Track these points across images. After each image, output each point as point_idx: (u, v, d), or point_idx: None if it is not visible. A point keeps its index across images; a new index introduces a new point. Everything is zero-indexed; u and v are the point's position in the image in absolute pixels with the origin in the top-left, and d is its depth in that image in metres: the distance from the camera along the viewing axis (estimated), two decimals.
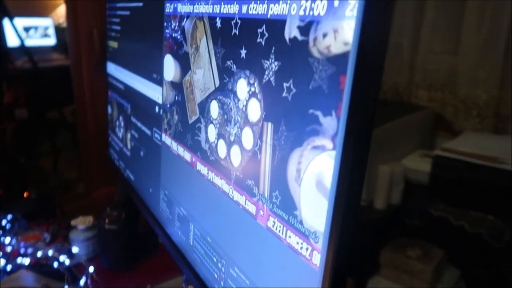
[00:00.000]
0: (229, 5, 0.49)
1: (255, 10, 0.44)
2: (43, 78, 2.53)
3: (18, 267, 0.94)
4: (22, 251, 0.99)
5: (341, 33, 0.33)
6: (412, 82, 2.08)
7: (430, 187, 1.65)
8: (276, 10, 0.41)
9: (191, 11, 0.58)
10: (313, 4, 0.36)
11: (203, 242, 0.59)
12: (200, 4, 0.55)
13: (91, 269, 0.93)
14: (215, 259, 0.56)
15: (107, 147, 1.09)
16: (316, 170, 0.37)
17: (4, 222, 1.07)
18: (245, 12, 0.46)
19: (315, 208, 0.37)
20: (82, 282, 0.89)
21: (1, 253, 0.98)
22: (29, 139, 2.40)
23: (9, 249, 0.99)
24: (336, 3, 0.34)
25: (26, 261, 0.96)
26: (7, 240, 1.01)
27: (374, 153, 1.60)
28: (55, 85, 2.53)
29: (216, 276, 0.56)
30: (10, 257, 0.97)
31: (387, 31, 0.32)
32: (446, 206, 1.62)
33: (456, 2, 1.83)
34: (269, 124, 0.43)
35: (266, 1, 0.42)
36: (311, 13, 0.36)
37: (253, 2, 0.44)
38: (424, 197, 1.68)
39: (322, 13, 0.35)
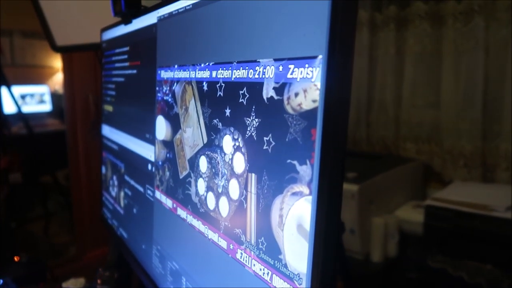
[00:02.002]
0: (214, 71, 0.54)
1: (237, 74, 0.49)
2: (38, 143, 2.58)
3: None
4: None
5: (310, 92, 0.38)
6: (398, 135, 2.16)
7: (425, 237, 1.66)
8: (254, 74, 0.46)
9: (180, 76, 0.63)
10: (285, 70, 0.41)
11: None
12: (189, 70, 0.61)
13: None
14: None
15: (100, 208, 1.11)
16: (296, 214, 0.40)
17: None
18: (228, 76, 0.51)
19: (298, 251, 0.40)
20: None
21: None
22: (21, 203, 2.39)
23: None
24: (304, 70, 0.39)
25: None
26: None
27: (367, 206, 1.63)
28: (50, 149, 2.58)
29: None
30: None
31: (348, 89, 0.37)
32: (443, 256, 1.62)
33: (433, 59, 1.96)
34: (253, 175, 0.47)
35: (246, 67, 0.48)
36: (284, 76, 0.42)
37: (234, 68, 0.50)
38: (421, 248, 1.68)
39: (293, 76, 0.40)
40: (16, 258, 1.25)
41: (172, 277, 0.67)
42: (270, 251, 0.44)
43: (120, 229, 0.94)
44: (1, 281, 1.07)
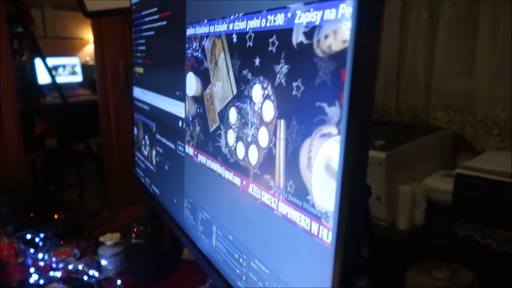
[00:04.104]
0: (243, 22, 0.55)
1: (267, 23, 0.50)
2: (71, 112, 2.67)
3: (50, 281, 0.99)
4: (53, 265, 1.04)
5: (340, 33, 0.39)
6: (429, 104, 2.11)
7: (453, 206, 1.64)
8: (284, 20, 0.46)
9: (210, 31, 0.64)
10: (315, 12, 0.41)
11: (225, 241, 0.63)
12: (218, 24, 0.61)
13: (119, 282, 0.97)
14: (236, 256, 0.59)
15: (132, 170, 1.15)
16: (325, 155, 0.41)
17: (37, 239, 1.13)
18: (258, 26, 0.52)
19: (325, 190, 0.41)
20: None
21: (34, 268, 1.03)
22: (57, 169, 2.51)
23: (41, 264, 1.05)
24: (334, 11, 0.39)
25: (58, 274, 1.01)
26: (40, 256, 1.07)
27: (394, 174, 1.62)
28: (82, 118, 2.67)
29: (238, 271, 0.59)
30: (42, 272, 1.02)
31: (379, 28, 0.37)
32: (471, 225, 1.60)
33: (468, 24, 1.88)
34: (282, 121, 0.48)
35: (276, 14, 0.48)
36: (313, 19, 0.42)
37: (263, 17, 0.50)
38: (448, 217, 1.66)
39: (323, 18, 0.40)
40: (55, 216, 1.33)
41: (203, 227, 0.70)
42: (298, 193, 0.45)
43: (152, 186, 0.98)
44: (43, 234, 1.14)
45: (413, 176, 1.73)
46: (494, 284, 1.48)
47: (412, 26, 2.06)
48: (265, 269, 0.52)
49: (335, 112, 0.39)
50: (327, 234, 0.41)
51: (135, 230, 1.01)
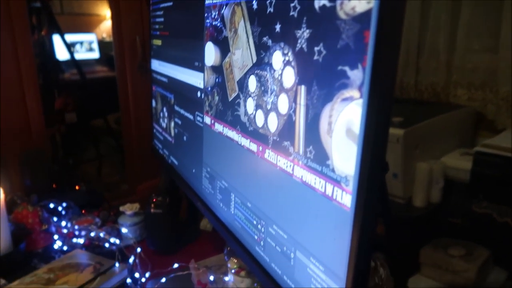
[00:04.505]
0: None
1: None
2: (89, 88, 2.70)
3: (73, 247, 1.03)
4: (76, 233, 1.07)
5: None
6: (449, 81, 2.06)
7: (471, 184, 1.62)
8: None
9: None
10: None
11: (244, 208, 0.64)
12: None
13: (139, 249, 1.00)
14: (255, 222, 0.60)
15: (150, 143, 1.17)
16: (346, 119, 0.41)
17: (59, 208, 1.17)
18: None
19: (346, 154, 0.41)
20: (131, 260, 0.96)
21: (57, 235, 1.07)
22: (76, 143, 2.56)
23: (65, 231, 1.08)
24: None
25: (81, 241, 1.05)
26: (63, 223, 1.11)
27: (412, 151, 1.60)
28: (100, 94, 2.70)
29: (256, 237, 0.60)
30: (66, 238, 1.06)
31: None
32: (489, 203, 1.58)
33: (493, 1, 1.81)
34: (302, 87, 0.48)
35: None
36: None
37: None
38: (465, 195, 1.65)
39: None
40: (76, 187, 1.37)
41: (222, 195, 0.72)
42: (318, 158, 0.46)
43: (170, 157, 1.00)
44: (66, 204, 1.17)
45: (431, 153, 1.71)
46: (511, 263, 1.47)
47: (434, 0, 2.00)
48: (283, 234, 0.53)
49: (358, 75, 0.39)
50: (346, 198, 0.41)
51: (154, 200, 1.03)
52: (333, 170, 0.43)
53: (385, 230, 1.40)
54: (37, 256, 1.01)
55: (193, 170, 0.84)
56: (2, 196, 0.95)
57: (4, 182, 0.98)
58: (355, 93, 0.40)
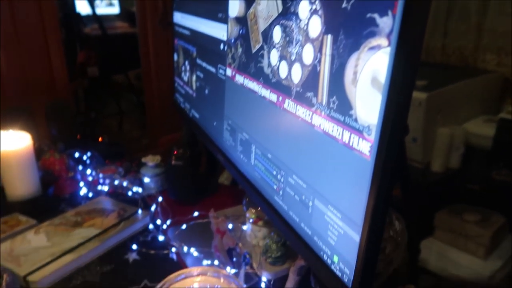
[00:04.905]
0: None
1: None
2: (110, 43, 2.70)
3: (98, 194, 1.08)
4: (101, 181, 1.12)
5: None
6: (479, 45, 1.98)
7: (492, 151, 1.59)
8: None
9: None
10: None
11: (264, 159, 0.65)
12: None
13: (160, 198, 1.04)
14: (274, 172, 0.62)
15: (170, 102, 1.18)
16: (372, 68, 0.41)
17: (84, 158, 1.21)
18: None
19: (370, 104, 0.41)
20: (152, 208, 1.00)
21: (83, 182, 1.12)
22: (98, 97, 2.60)
23: (90, 179, 1.13)
24: None
25: (105, 188, 1.09)
26: (88, 171, 1.15)
27: (434, 115, 1.58)
28: (120, 50, 2.70)
29: (275, 187, 0.62)
30: (91, 186, 1.10)
31: None
32: (509, 171, 1.56)
33: None
34: (329, 36, 0.47)
35: None
36: None
37: None
38: (485, 162, 1.63)
39: None
40: (100, 139, 1.41)
41: (242, 147, 0.73)
42: (341, 108, 0.46)
43: (192, 110, 1.01)
44: (90, 153, 1.21)
45: (453, 119, 1.68)
46: None
47: None
48: (303, 184, 0.55)
49: (387, 22, 0.38)
50: (368, 147, 0.42)
51: (175, 152, 1.06)
52: (355, 120, 0.44)
53: (401, 193, 1.41)
54: (65, 201, 1.06)
55: (214, 123, 0.85)
56: (31, 142, 0.98)
57: (32, 131, 1.01)
58: (383, 41, 0.39)
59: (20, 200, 0.98)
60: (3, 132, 0.97)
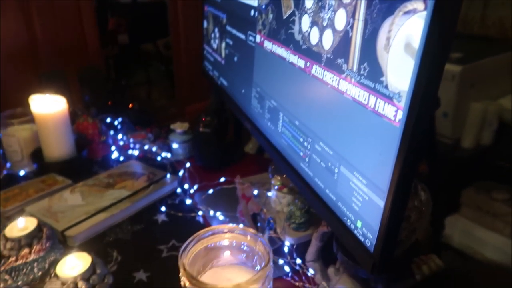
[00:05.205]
0: None
1: None
2: (140, 11, 2.71)
3: (128, 158, 1.12)
4: (131, 145, 1.16)
5: None
6: None
7: None
8: None
9: None
10: None
11: (291, 127, 0.66)
12: None
13: (188, 164, 1.07)
14: (301, 139, 0.63)
15: (199, 70, 1.18)
16: (405, 34, 0.40)
17: (115, 123, 1.25)
18: None
19: (402, 70, 0.41)
20: (180, 173, 1.03)
21: (114, 146, 1.16)
22: (127, 67, 2.64)
23: (121, 143, 1.17)
24: None
25: (135, 153, 1.13)
26: (119, 136, 1.19)
27: (467, 89, 1.53)
28: (150, 19, 2.71)
29: (302, 154, 0.63)
30: (122, 150, 1.14)
31: None
32: None
33: None
34: (362, 1, 0.46)
35: None
36: None
37: None
38: None
39: None
40: (130, 105, 1.44)
41: (270, 114, 0.74)
42: (372, 75, 0.46)
43: (220, 78, 1.02)
44: (121, 119, 1.25)
45: (488, 94, 1.62)
46: None
47: None
48: (329, 150, 0.55)
49: None
50: (397, 114, 0.42)
51: (203, 120, 1.08)
52: (386, 87, 0.43)
53: (428, 168, 1.39)
54: (97, 163, 1.10)
55: (243, 91, 0.86)
56: (66, 106, 1.02)
57: (66, 95, 1.05)
58: (419, 5, 0.38)
59: (56, 161, 1.02)
60: (40, 95, 1.01)
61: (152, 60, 3.06)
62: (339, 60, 0.52)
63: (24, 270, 0.67)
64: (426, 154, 1.26)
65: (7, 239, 0.72)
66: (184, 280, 0.44)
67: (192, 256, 0.46)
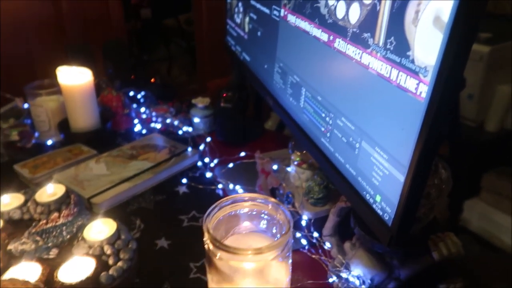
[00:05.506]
0: None
1: None
2: None
3: (151, 131, 1.14)
4: (153, 119, 1.18)
5: None
6: None
7: None
8: None
9: None
10: None
11: (313, 102, 0.66)
12: None
13: (208, 139, 1.08)
14: (323, 115, 0.63)
15: (220, 46, 1.18)
16: (435, 7, 0.40)
17: (138, 96, 1.27)
18: None
19: (429, 44, 0.41)
20: (201, 147, 1.05)
21: (137, 119, 1.18)
22: (149, 41, 2.65)
23: (144, 116, 1.19)
24: None
25: (157, 126, 1.15)
26: (142, 109, 1.21)
27: (495, 71, 1.48)
28: None
29: (323, 129, 0.63)
30: (144, 123, 1.17)
31: None
32: None
33: None
34: None
35: None
36: None
37: None
38: None
39: None
40: (152, 80, 1.46)
41: (292, 89, 0.74)
42: (398, 49, 0.45)
43: (243, 53, 1.02)
44: (144, 92, 1.27)
45: None
46: None
47: None
48: (351, 126, 0.56)
49: None
50: (423, 89, 0.42)
51: (224, 95, 1.09)
52: (412, 61, 0.43)
53: (449, 151, 1.37)
54: (121, 135, 1.13)
55: (265, 66, 0.86)
56: (92, 78, 1.04)
57: (91, 68, 1.07)
58: None
59: (82, 131, 1.06)
60: (67, 67, 1.03)
61: (173, 36, 3.06)
62: (365, 35, 0.51)
63: (54, 233, 0.71)
64: (448, 136, 1.24)
65: (37, 204, 0.76)
66: (208, 243, 0.46)
67: (215, 222, 0.48)
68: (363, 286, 0.63)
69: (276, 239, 0.49)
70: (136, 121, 1.17)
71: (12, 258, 0.67)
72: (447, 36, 0.38)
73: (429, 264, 0.60)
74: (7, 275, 0.61)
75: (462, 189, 1.56)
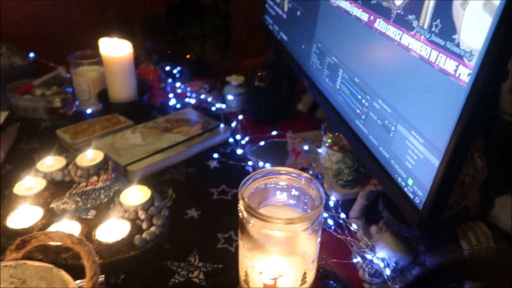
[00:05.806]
0: None
1: None
2: None
3: (185, 106, 1.17)
4: (188, 94, 1.20)
5: None
6: None
7: None
8: None
9: None
10: None
11: (350, 84, 0.66)
12: None
13: (241, 117, 1.10)
14: (360, 97, 0.63)
15: (256, 25, 1.18)
16: None
17: (174, 71, 1.30)
18: None
19: (477, 28, 0.40)
20: (233, 124, 1.07)
21: (172, 94, 1.21)
22: (184, 19, 2.67)
23: (179, 91, 1.22)
24: None
25: (192, 101, 1.18)
26: (177, 84, 1.24)
27: None
28: None
29: (358, 111, 0.64)
30: (179, 97, 1.20)
31: None
32: None
33: None
34: None
35: None
36: None
37: None
38: None
39: None
40: (188, 56, 1.48)
41: (329, 71, 0.74)
42: (444, 32, 0.45)
43: (280, 32, 1.02)
44: (179, 68, 1.29)
45: None
46: None
47: None
48: (388, 108, 0.56)
49: None
50: (466, 73, 0.41)
51: (259, 74, 1.09)
52: (457, 45, 0.43)
53: (484, 144, 1.34)
54: (156, 108, 1.16)
55: (303, 46, 0.86)
56: (131, 50, 1.07)
57: (129, 41, 1.09)
58: None
59: (120, 102, 1.09)
60: (109, 39, 1.06)
61: (208, 14, 3.06)
62: (410, 17, 0.51)
63: (93, 195, 0.75)
64: (485, 129, 1.21)
65: (77, 167, 0.80)
66: (242, 211, 0.47)
67: (249, 192, 0.50)
68: (387, 269, 0.64)
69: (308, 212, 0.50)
70: (171, 95, 1.20)
71: (53, 216, 0.71)
72: (497, 19, 0.38)
73: (456, 255, 0.60)
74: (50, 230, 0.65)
75: (495, 185, 1.52)
